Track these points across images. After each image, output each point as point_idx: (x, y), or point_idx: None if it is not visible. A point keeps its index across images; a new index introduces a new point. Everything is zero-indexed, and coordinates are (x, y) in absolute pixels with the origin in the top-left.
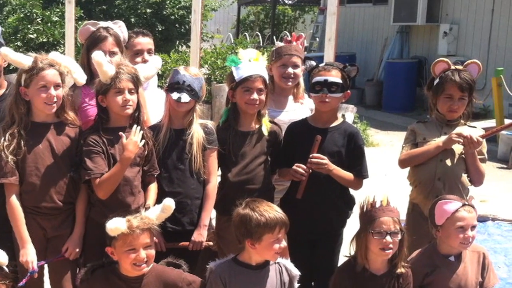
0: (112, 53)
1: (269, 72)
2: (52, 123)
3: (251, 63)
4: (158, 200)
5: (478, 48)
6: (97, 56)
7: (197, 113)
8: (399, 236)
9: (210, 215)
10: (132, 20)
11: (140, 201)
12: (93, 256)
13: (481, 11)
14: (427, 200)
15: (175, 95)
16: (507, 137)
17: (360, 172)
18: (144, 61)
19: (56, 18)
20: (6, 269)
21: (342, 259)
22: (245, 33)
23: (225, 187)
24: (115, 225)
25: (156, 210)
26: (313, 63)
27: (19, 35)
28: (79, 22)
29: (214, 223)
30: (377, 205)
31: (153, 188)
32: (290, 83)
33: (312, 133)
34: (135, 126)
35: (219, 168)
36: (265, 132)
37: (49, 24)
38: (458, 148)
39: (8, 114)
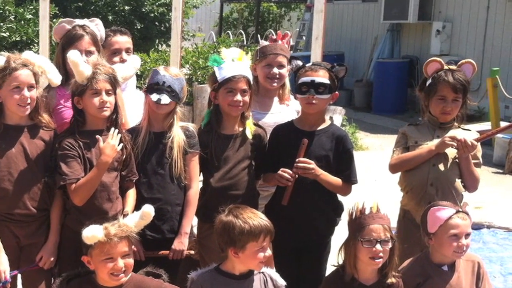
0: (88, 53)
1: (253, 73)
2: (26, 126)
3: (235, 63)
4: (137, 207)
5: (472, 47)
6: (73, 55)
7: (177, 116)
8: (390, 245)
9: (191, 222)
10: (110, 17)
11: (118, 207)
12: (68, 266)
13: (475, 8)
14: (419, 207)
15: (154, 97)
16: (503, 141)
17: (348, 177)
18: (122, 61)
19: (30, 16)
20: None
21: (330, 269)
22: (228, 32)
23: (207, 193)
24: (92, 233)
25: (135, 217)
26: (300, 63)
27: None
28: (54, 20)
29: (195, 230)
30: (367, 212)
31: (131, 194)
32: (275, 84)
33: (298, 136)
34: (112, 129)
35: (201, 173)
36: (249, 135)
37: (22, 22)
38: (451, 152)
39: None
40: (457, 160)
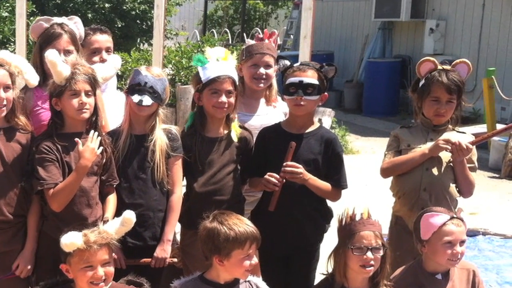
0: (67, 52)
1: (239, 73)
2: (1, 128)
3: (219, 62)
4: (118, 213)
5: (467, 47)
6: (51, 55)
7: (160, 118)
8: (381, 252)
9: (174, 229)
10: (89, 15)
11: (97, 213)
12: (46, 274)
13: (470, 6)
14: (412, 213)
15: (136, 98)
16: (499, 144)
17: (338, 182)
18: (102, 61)
19: (6, 14)
20: None
21: (318, 277)
22: (213, 30)
23: (191, 198)
24: (70, 240)
25: (116, 224)
26: (287, 62)
27: None
28: (31, 18)
29: (178, 237)
30: (357, 218)
31: (112, 199)
32: (262, 85)
33: (286, 139)
34: (92, 131)
35: (184, 178)
36: (235, 138)
37: None
38: (445, 156)
39: None
40: (451, 164)
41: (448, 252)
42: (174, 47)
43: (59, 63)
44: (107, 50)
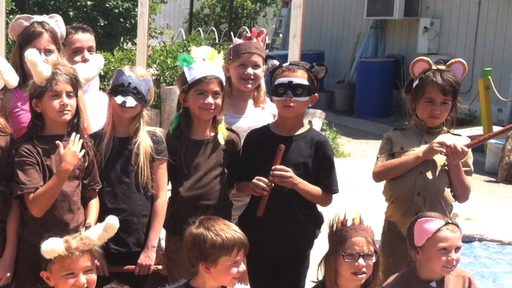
0: (48, 51)
1: (226, 73)
2: None
3: (206, 62)
4: (100, 218)
5: (463, 46)
6: (31, 54)
7: (144, 119)
8: (374, 259)
9: (159, 235)
10: (71, 13)
11: (79, 219)
12: (26, 282)
13: (466, 4)
14: (405, 218)
15: (119, 99)
16: (495, 147)
17: (329, 186)
18: (84, 60)
19: None
20: None
21: (308, 285)
22: (199, 29)
23: (176, 203)
24: (51, 246)
25: (98, 230)
26: (276, 62)
27: None
28: (11, 16)
29: (163, 244)
30: (349, 223)
31: (94, 204)
32: (249, 85)
33: (275, 142)
34: (74, 134)
35: (170, 182)
36: (222, 141)
37: None
38: (440, 159)
39: None
40: (446, 167)
41: (443, 259)
42: (159, 47)
43: (40, 63)
44: (89, 49)
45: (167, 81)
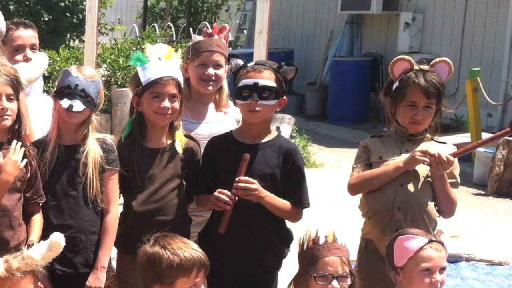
0: None
1: (184, 74)
2: None
3: (162, 62)
4: (44, 235)
5: (448, 43)
6: None
7: (93, 126)
8: (349, 281)
9: (109, 254)
10: (11, 7)
11: (21, 236)
12: None
13: None
14: (384, 235)
15: (65, 103)
16: (484, 156)
17: (299, 199)
18: (27, 60)
19: None
20: None
21: None
22: (154, 24)
23: (129, 218)
24: None
25: (42, 248)
26: (240, 62)
27: None
28: None
29: (114, 264)
30: (321, 241)
31: (37, 220)
32: (210, 87)
33: (239, 151)
34: (14, 141)
35: (121, 195)
36: (179, 150)
37: None
38: (423, 170)
39: None
40: (429, 179)
41: (426, 280)
42: (110, 44)
43: None
44: (32, 47)
45: (119, 82)
